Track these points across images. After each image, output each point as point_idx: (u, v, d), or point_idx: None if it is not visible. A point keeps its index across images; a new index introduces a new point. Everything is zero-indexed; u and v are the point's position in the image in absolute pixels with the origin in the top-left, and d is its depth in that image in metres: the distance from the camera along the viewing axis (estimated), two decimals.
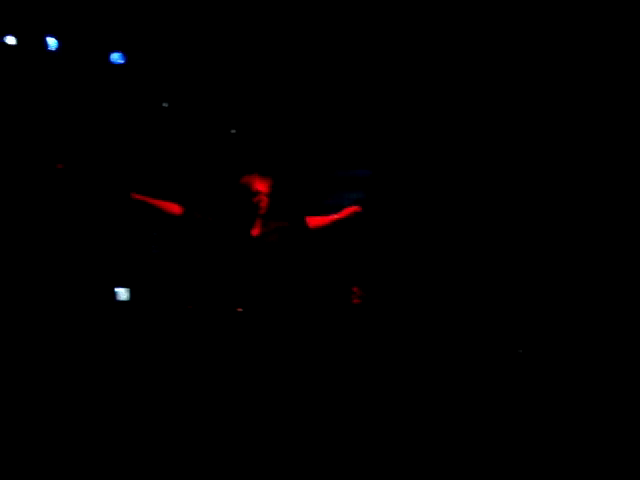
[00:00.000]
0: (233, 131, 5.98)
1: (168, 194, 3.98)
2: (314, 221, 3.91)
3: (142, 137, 5.79)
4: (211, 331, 3.94)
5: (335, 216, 3.94)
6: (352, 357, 4.39)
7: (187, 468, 3.39)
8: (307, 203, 4.92)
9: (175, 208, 3.82)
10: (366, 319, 4.68)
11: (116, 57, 5.82)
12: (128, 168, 5.50)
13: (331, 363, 4.27)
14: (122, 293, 5.18)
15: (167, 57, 5.87)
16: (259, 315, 3.77)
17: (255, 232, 3.82)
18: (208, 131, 5.94)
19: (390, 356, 4.48)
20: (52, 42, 5.57)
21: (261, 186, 3.81)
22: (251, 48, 5.74)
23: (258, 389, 3.65)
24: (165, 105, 5.93)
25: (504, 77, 5.37)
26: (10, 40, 5.42)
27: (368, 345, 4.50)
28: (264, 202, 3.79)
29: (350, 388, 4.16)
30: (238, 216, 3.83)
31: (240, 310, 3.80)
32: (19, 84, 5.42)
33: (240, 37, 5.67)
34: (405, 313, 4.88)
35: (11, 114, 5.35)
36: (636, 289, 4.76)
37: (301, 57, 5.75)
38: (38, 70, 5.49)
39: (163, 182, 5.34)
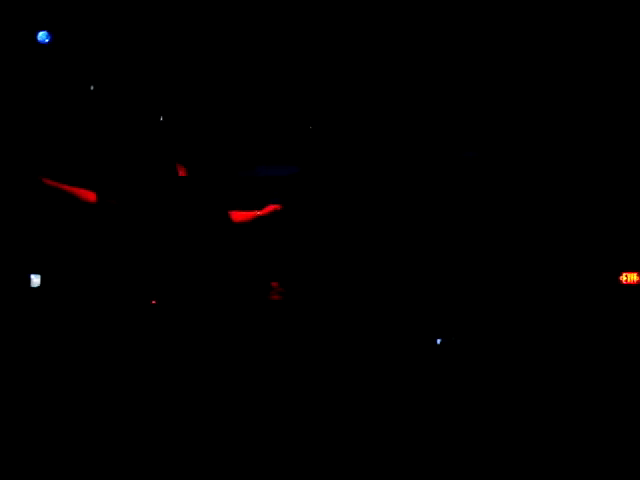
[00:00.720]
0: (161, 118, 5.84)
1: (82, 180, 3.84)
2: (237, 216, 3.85)
3: (61, 119, 5.59)
4: (126, 324, 3.82)
5: (257, 212, 3.90)
6: (267, 354, 4.33)
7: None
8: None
9: (89, 195, 3.68)
10: (285, 315, 4.64)
11: (42, 36, 5.62)
12: (41, 151, 5.29)
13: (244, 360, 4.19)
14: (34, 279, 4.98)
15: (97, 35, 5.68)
16: (174, 308, 3.68)
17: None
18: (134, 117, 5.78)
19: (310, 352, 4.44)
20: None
21: (182, 173, 3.74)
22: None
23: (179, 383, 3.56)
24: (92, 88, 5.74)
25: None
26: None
27: (284, 341, 4.45)
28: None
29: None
30: (156, 204, 3.72)
31: (154, 302, 3.71)
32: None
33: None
34: (327, 309, 4.85)
35: None
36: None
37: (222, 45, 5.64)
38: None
39: (78, 167, 5.16)
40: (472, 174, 5.38)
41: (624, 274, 4.98)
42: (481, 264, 5.21)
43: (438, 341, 4.72)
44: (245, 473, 3.20)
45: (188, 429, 3.44)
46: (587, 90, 5.16)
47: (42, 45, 5.59)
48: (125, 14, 5.49)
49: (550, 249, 5.13)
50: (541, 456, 3.34)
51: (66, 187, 3.66)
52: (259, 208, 3.91)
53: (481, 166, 5.40)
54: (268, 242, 5.13)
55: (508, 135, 5.45)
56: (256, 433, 3.52)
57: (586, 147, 5.22)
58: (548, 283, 5.08)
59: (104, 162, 5.25)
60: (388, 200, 5.36)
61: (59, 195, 3.65)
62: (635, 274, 4.96)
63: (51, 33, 5.60)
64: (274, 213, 3.86)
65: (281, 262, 5.18)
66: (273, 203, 3.92)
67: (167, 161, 3.92)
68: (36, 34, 5.60)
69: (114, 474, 3.14)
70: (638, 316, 4.85)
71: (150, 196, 3.76)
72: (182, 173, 3.83)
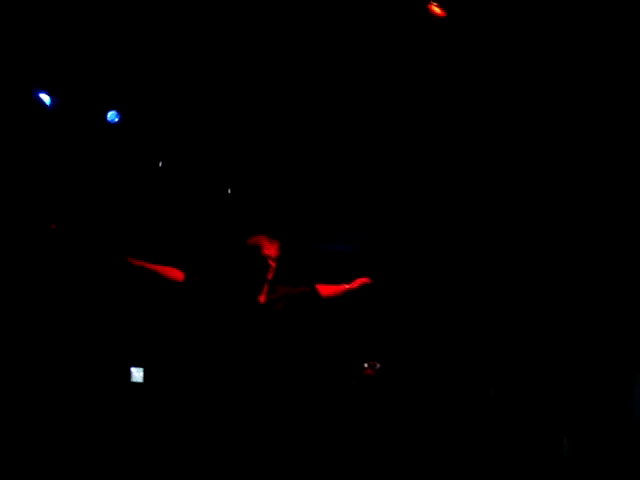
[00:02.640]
0: (229, 191, 5.89)
1: (167, 259, 3.82)
2: (325, 290, 3.75)
3: (138, 198, 5.66)
4: (215, 402, 3.73)
5: (346, 286, 3.80)
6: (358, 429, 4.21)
7: None
8: (315, 268, 4.78)
9: (176, 274, 3.63)
10: (377, 391, 4.52)
11: (112, 116, 5.75)
12: (124, 230, 5.34)
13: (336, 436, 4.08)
14: (136, 373, 4.91)
15: (162, 116, 5.80)
16: (265, 387, 3.58)
17: (262, 299, 3.64)
18: (205, 191, 5.84)
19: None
20: (46, 98, 5.49)
21: (269, 250, 3.63)
22: (244, 108, 5.69)
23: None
24: (160, 165, 5.84)
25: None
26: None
27: (375, 418, 4.33)
28: (272, 267, 3.61)
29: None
30: (243, 281, 3.65)
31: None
32: (14, 141, 5.29)
33: (232, 98, 5.63)
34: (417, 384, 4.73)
35: (5, 172, 5.21)
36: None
37: (296, 116, 5.70)
38: (34, 127, 5.37)
39: (161, 245, 5.18)
40: None
41: None
42: None
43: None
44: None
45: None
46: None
47: (112, 124, 5.75)
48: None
49: None
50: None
51: (152, 266, 3.63)
52: (338, 282, 3.82)
53: None
54: (359, 316, 5.06)
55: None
56: None
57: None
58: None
59: (187, 239, 5.29)
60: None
61: (145, 274, 3.63)
62: None
63: (120, 112, 5.75)
64: (363, 286, 3.78)
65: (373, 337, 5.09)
66: (359, 277, 3.83)
67: (248, 234, 3.87)
68: (106, 114, 5.75)
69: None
70: None
71: (235, 272, 3.72)
72: (267, 248, 3.75)
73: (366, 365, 4.58)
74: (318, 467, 3.77)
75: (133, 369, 4.85)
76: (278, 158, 5.90)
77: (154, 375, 4.82)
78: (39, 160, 5.39)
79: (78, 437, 4.10)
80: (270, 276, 3.61)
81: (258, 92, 5.54)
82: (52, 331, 5.00)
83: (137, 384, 4.81)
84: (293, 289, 3.71)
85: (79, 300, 5.18)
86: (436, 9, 4.30)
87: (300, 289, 3.73)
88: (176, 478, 3.59)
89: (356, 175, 5.79)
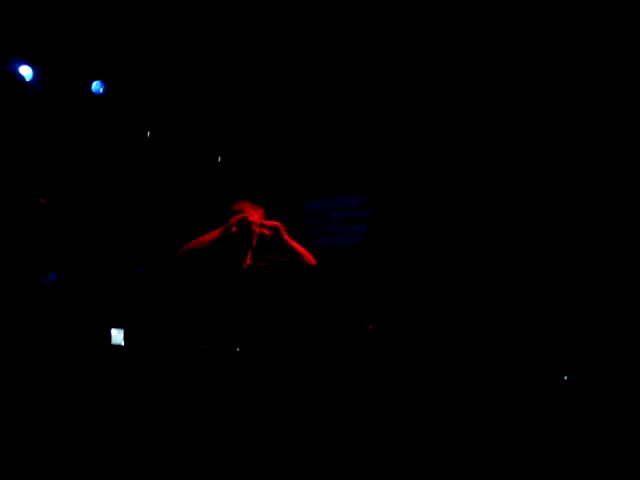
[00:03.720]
0: (219, 159, 5.84)
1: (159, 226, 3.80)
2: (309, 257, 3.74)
3: (126, 168, 5.62)
4: (208, 370, 3.74)
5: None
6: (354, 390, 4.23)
7: None
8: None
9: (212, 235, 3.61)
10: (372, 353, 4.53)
11: (96, 86, 5.67)
12: (113, 200, 5.31)
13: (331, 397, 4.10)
14: (116, 335, 4.89)
15: (149, 84, 5.72)
16: (255, 354, 3.60)
17: (246, 264, 3.65)
18: (193, 160, 5.79)
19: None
20: (27, 71, 5.40)
21: (253, 216, 3.64)
22: (232, 73, 5.61)
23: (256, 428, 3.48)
24: (148, 134, 5.77)
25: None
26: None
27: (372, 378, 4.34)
28: (256, 233, 3.62)
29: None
30: (228, 247, 3.65)
31: (238, 350, 3.62)
32: None
33: (221, 63, 5.55)
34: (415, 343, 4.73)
35: None
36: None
37: (283, 81, 5.62)
38: (16, 101, 5.30)
39: (150, 214, 5.16)
40: None
41: None
42: None
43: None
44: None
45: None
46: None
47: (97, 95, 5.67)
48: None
49: None
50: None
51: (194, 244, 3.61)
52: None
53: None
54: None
55: None
56: None
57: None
58: None
59: (175, 207, 5.26)
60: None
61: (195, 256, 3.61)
62: None
63: (105, 83, 5.66)
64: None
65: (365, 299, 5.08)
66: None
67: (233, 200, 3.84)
68: (90, 84, 5.67)
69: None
70: None
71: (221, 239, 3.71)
72: (251, 213, 3.72)
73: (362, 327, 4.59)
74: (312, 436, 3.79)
75: (114, 330, 4.83)
76: (268, 125, 5.84)
77: (138, 338, 4.82)
78: (24, 134, 5.33)
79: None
80: (254, 242, 3.62)
81: (246, 57, 5.46)
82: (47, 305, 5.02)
83: (118, 346, 4.80)
84: (282, 257, 3.71)
85: (72, 272, 5.17)
86: None
87: (288, 257, 3.72)
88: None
89: (345, 136, 5.73)
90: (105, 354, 4.69)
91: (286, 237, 3.69)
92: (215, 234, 3.64)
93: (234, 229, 3.61)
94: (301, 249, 3.70)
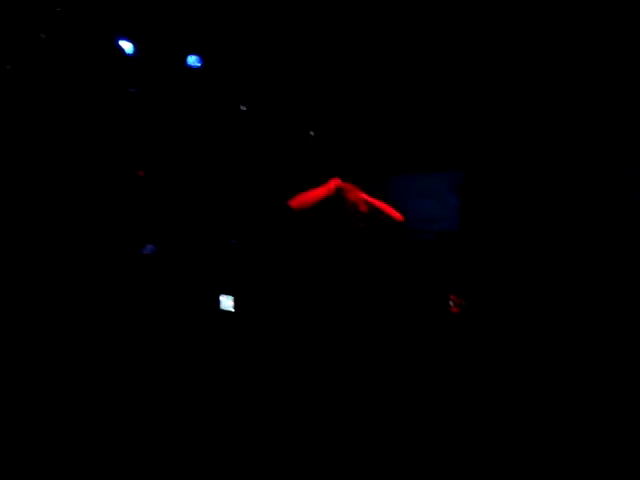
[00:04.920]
0: (312, 133, 5.79)
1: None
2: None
3: (221, 141, 5.65)
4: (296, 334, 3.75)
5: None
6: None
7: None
8: None
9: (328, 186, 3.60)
10: (464, 328, 4.41)
11: (193, 60, 5.72)
12: (207, 174, 5.37)
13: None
14: (225, 301, 4.93)
15: (244, 59, 5.73)
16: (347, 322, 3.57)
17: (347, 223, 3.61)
18: (287, 134, 5.76)
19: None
20: (128, 46, 5.49)
21: (360, 204, 3.60)
22: (328, 49, 5.54)
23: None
24: (243, 108, 5.79)
25: None
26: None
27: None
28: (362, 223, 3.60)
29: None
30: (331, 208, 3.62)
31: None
32: (95, 90, 5.35)
33: (316, 39, 5.48)
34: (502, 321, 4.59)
35: (90, 120, 5.29)
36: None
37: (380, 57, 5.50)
38: (115, 75, 5.40)
39: (242, 188, 5.19)
40: None
41: None
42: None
43: None
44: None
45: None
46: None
47: (193, 69, 5.72)
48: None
49: None
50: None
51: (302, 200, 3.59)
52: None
53: None
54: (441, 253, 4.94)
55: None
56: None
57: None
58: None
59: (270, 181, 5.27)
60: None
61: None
62: None
63: (202, 57, 5.71)
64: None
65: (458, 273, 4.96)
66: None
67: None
68: (186, 58, 5.73)
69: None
70: None
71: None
72: (358, 201, 3.67)
73: (451, 302, 4.46)
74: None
75: (223, 296, 4.87)
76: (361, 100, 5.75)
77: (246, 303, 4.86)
78: (122, 106, 5.44)
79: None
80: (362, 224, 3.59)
81: (340, 32, 5.37)
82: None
83: (227, 312, 4.85)
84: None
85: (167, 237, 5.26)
86: None
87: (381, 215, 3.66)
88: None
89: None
90: (215, 319, 4.75)
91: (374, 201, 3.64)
92: (319, 193, 3.58)
93: (335, 192, 3.57)
94: (388, 208, 3.64)
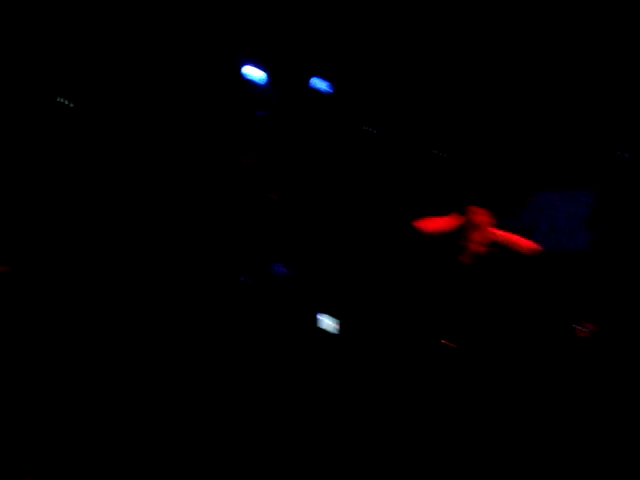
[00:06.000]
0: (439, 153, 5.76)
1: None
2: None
3: (350, 165, 5.73)
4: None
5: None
6: None
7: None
8: None
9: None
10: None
11: (318, 83, 5.81)
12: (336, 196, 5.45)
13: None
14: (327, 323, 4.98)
15: (372, 82, 5.79)
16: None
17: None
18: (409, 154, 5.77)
19: None
20: (260, 74, 5.63)
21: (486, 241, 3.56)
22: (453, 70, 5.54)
23: None
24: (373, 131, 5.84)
25: None
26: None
27: None
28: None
29: None
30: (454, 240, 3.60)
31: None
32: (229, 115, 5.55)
33: (441, 61, 5.51)
34: None
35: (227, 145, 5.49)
36: None
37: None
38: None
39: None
40: None
41: None
42: None
43: None
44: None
45: None
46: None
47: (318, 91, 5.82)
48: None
49: None
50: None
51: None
52: None
53: None
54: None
55: None
56: None
57: None
58: None
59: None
60: None
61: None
62: None
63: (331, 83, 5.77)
64: None
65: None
66: None
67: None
68: (311, 81, 5.83)
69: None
70: None
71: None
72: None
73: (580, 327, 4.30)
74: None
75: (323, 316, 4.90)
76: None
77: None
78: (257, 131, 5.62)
79: None
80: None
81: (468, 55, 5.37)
82: None
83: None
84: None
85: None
86: None
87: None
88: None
89: None
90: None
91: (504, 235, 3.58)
92: (446, 224, 3.59)
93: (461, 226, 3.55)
94: (517, 238, 3.57)
